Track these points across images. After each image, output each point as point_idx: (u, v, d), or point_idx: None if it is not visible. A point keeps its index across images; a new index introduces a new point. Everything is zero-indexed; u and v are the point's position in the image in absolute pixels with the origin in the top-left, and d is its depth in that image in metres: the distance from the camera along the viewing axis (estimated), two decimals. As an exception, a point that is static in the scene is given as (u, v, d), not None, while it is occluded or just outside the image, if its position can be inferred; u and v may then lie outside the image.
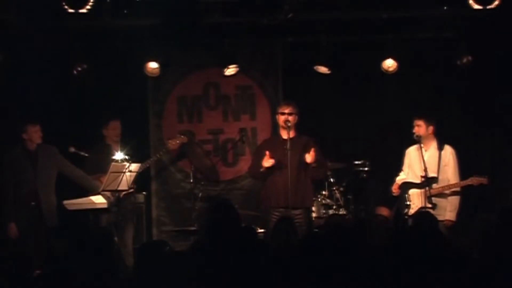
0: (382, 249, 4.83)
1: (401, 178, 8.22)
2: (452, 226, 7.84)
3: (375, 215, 8.62)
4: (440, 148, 8.02)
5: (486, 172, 8.58)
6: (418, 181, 7.97)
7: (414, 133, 8.02)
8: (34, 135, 7.99)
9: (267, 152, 7.75)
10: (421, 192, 7.91)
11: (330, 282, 4.41)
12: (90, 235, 5.21)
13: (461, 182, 7.93)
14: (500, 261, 4.51)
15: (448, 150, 8.02)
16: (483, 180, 7.88)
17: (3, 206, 7.92)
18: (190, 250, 5.18)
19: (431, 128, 8.04)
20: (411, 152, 8.18)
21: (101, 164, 8.33)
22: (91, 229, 7.89)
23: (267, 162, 7.73)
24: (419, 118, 8.03)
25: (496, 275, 4.35)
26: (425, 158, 7.96)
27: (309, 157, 7.70)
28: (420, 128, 8.01)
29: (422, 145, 8.03)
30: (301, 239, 5.30)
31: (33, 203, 7.89)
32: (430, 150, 8.05)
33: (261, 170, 7.81)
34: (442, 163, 7.98)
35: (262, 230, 8.22)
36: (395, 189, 8.13)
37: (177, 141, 8.85)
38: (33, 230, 7.86)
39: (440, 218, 7.74)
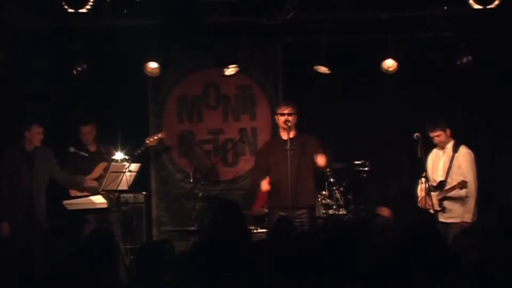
0: (382, 249, 4.82)
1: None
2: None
3: (375, 215, 8.61)
4: (455, 150, 8.03)
5: (486, 172, 8.59)
6: (434, 184, 7.97)
7: (435, 144, 8.04)
8: (36, 136, 8.01)
9: (267, 179, 7.76)
10: (433, 195, 7.91)
11: (329, 283, 4.41)
12: (91, 235, 5.20)
13: (450, 188, 7.92)
14: (500, 261, 4.50)
15: (461, 152, 8.01)
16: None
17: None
18: (192, 249, 5.18)
19: (448, 131, 8.06)
20: (431, 156, 8.18)
21: (81, 167, 8.39)
22: (92, 229, 7.88)
23: (264, 186, 7.77)
24: (434, 129, 8.00)
25: (496, 275, 4.34)
26: (443, 161, 8.02)
27: (321, 162, 7.73)
28: (440, 136, 8.02)
29: (441, 149, 8.07)
30: (299, 239, 5.29)
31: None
32: (447, 152, 8.06)
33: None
34: (455, 165, 7.97)
35: (263, 230, 8.24)
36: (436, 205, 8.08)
37: (155, 138, 8.90)
38: (27, 230, 7.86)
39: (456, 220, 7.76)
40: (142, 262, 4.71)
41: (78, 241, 7.67)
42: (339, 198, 8.71)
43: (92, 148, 8.64)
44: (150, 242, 7.83)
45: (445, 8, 8.44)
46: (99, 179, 8.35)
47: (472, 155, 8.01)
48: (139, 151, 8.76)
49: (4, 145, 8.29)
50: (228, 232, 5.07)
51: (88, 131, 8.67)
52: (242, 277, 4.49)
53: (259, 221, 8.41)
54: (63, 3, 7.81)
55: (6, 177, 7.91)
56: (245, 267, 4.56)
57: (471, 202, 7.87)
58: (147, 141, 8.84)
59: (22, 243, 7.60)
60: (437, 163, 8.08)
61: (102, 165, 8.39)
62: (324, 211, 8.64)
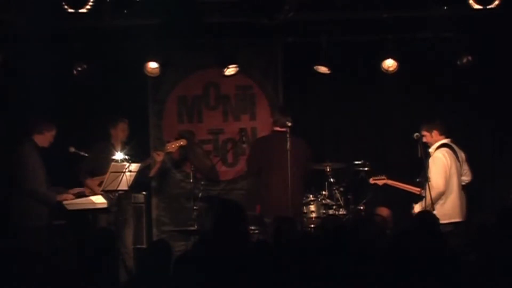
0: (381, 249, 4.83)
1: None
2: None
3: (374, 215, 8.61)
4: (435, 151, 8.06)
5: (486, 172, 8.60)
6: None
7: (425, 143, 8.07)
8: (51, 138, 8.07)
9: None
10: None
11: (329, 283, 4.41)
12: (92, 235, 5.20)
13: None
14: (498, 261, 4.50)
15: (433, 155, 8.02)
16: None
17: (39, 190, 7.89)
18: (193, 250, 5.18)
19: (434, 133, 8.06)
20: None
21: (101, 163, 8.32)
22: (92, 229, 7.88)
23: None
24: (422, 129, 8.03)
25: (495, 275, 4.35)
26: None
27: None
28: (426, 137, 8.05)
29: (429, 150, 8.09)
30: (297, 239, 5.30)
31: None
32: (432, 153, 8.08)
33: None
34: (430, 167, 7.99)
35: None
36: None
37: (176, 144, 8.77)
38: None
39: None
40: (142, 262, 4.72)
41: (80, 241, 7.73)
42: (339, 198, 8.71)
43: (118, 147, 8.55)
44: (152, 243, 7.82)
45: (445, 8, 8.44)
46: None
47: (442, 159, 7.95)
48: (158, 155, 8.61)
49: (3, 145, 8.30)
50: (230, 233, 5.07)
51: (126, 128, 8.55)
52: (243, 278, 4.49)
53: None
54: (63, 3, 7.82)
55: (35, 171, 7.92)
56: (245, 267, 4.56)
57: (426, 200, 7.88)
58: (168, 147, 8.70)
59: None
60: None
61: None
62: (324, 211, 8.64)
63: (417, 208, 8.00)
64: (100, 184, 8.16)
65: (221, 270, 4.62)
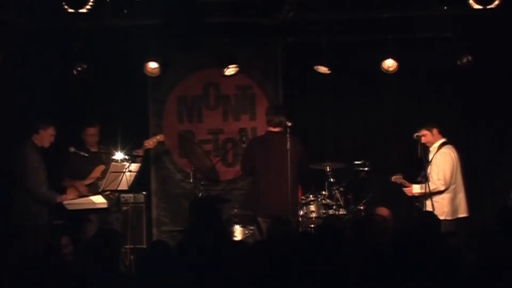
0: (381, 249, 4.83)
1: None
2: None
3: (374, 215, 8.61)
4: (438, 150, 8.10)
5: (486, 172, 8.59)
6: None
7: (424, 144, 8.09)
8: (49, 138, 8.05)
9: None
10: None
11: (328, 283, 4.41)
12: (98, 235, 5.20)
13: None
14: (499, 261, 4.50)
15: (440, 151, 8.07)
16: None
17: (40, 190, 7.88)
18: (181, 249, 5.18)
19: (435, 131, 8.14)
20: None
21: (81, 167, 8.36)
22: (94, 228, 7.87)
23: None
24: (420, 128, 8.07)
25: (495, 275, 4.35)
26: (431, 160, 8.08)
27: None
28: (426, 136, 8.10)
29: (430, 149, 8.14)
30: (295, 239, 5.30)
31: None
32: (433, 151, 8.14)
33: None
34: (433, 164, 8.03)
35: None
36: None
37: (154, 140, 8.80)
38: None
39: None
40: (142, 262, 4.72)
41: (81, 240, 7.75)
42: (339, 198, 8.71)
43: (94, 149, 8.62)
44: (153, 242, 7.82)
45: (445, 8, 8.45)
46: (96, 181, 8.34)
47: (451, 154, 8.06)
48: (138, 153, 8.65)
49: (3, 144, 8.30)
50: (204, 231, 5.08)
51: (93, 133, 8.59)
52: (238, 278, 4.49)
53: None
54: (63, 3, 7.82)
55: (36, 171, 7.92)
56: (241, 267, 4.55)
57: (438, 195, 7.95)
58: (146, 144, 8.74)
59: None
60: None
61: (100, 168, 8.36)
62: (324, 211, 8.63)
63: (415, 188, 8.05)
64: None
65: (217, 270, 4.62)
